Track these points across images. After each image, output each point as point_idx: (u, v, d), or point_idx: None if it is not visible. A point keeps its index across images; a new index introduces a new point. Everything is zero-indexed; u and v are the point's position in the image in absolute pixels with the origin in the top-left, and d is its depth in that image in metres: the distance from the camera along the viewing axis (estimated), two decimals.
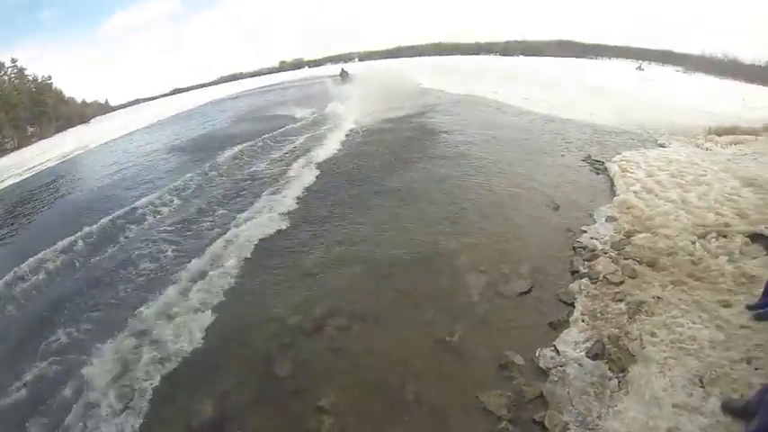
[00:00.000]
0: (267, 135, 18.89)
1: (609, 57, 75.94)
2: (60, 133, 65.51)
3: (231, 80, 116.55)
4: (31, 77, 73.14)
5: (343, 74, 45.57)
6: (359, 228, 8.55)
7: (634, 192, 8.88)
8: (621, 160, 11.12)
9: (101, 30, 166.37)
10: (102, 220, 11.02)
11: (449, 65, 60.87)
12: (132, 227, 10.51)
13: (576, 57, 75.11)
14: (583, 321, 5.14)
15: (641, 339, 4.63)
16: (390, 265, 7.00)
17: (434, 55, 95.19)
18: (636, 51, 70.41)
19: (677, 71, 54.77)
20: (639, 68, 54.26)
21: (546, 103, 21.15)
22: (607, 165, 10.93)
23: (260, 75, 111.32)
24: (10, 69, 69.48)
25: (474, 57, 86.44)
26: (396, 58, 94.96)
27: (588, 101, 21.83)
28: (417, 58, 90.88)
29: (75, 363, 5.65)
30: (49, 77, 76.94)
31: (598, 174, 10.58)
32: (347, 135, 17.21)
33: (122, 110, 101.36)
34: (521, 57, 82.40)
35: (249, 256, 7.94)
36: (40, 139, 63.51)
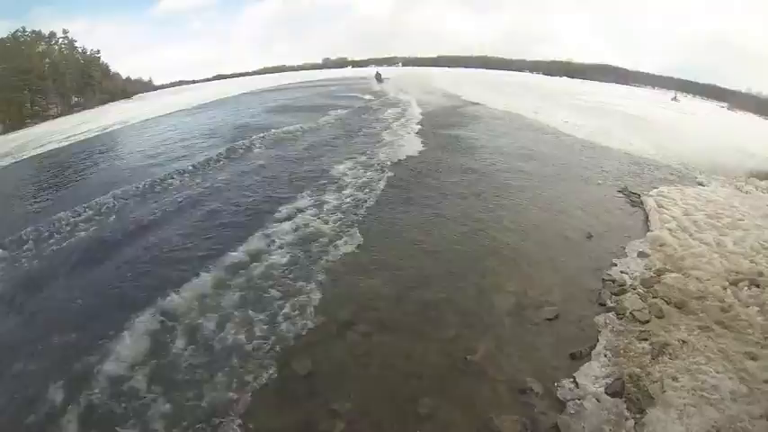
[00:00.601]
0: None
1: (652, 85, 74.77)
2: (103, 106, 67.31)
3: (274, 72, 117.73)
4: (80, 50, 74.81)
5: (377, 76, 49.02)
6: (390, 235, 8.65)
7: (669, 229, 8.79)
8: (658, 195, 11.01)
9: (151, 11, 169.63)
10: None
11: (492, 79, 60.61)
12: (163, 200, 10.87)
13: (618, 83, 74.19)
14: (605, 356, 5.15)
15: (662, 382, 4.62)
16: (419, 275, 7.08)
17: (479, 67, 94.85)
18: (679, 83, 69.28)
19: (721, 107, 53.76)
20: (674, 99, 53.47)
21: (586, 127, 20.97)
22: (643, 198, 10.82)
23: (303, 69, 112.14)
24: (61, 40, 71.18)
25: (517, 73, 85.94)
26: (439, 66, 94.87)
27: (628, 129, 21.57)
28: (462, 68, 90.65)
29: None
30: (98, 52, 78.76)
31: (633, 206, 10.49)
32: None
33: (165, 90, 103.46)
34: (564, 78, 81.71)
35: (284, 251, 8.09)
36: (84, 109, 65.35)
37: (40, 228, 10.68)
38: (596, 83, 70.01)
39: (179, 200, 11.68)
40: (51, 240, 10.07)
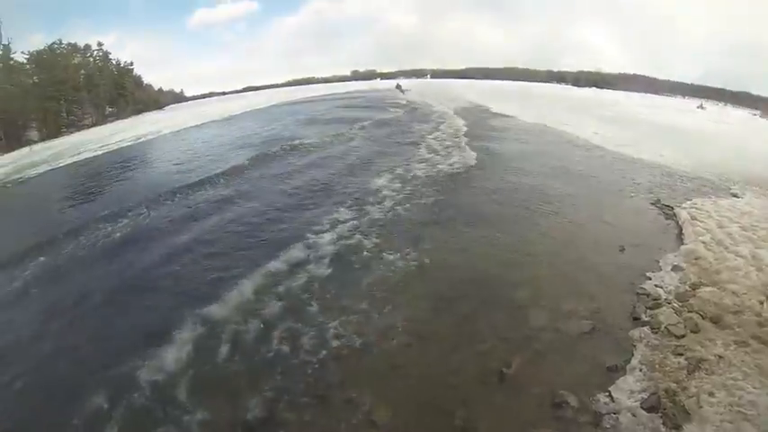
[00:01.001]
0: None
1: (682, 94, 73.59)
2: (136, 116, 70.06)
3: (303, 84, 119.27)
4: (114, 61, 78.34)
5: (398, 87, 54.72)
6: (424, 248, 8.75)
7: (703, 242, 8.71)
8: (692, 207, 10.88)
9: (182, 24, 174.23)
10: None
11: (519, 91, 60.52)
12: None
13: (647, 92, 73.22)
14: (640, 371, 5.17)
15: (699, 398, 4.64)
16: (455, 289, 7.19)
17: (507, 79, 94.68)
18: (709, 90, 68.13)
19: (753, 114, 52.56)
20: (700, 107, 52.66)
21: (616, 139, 20.78)
22: (676, 211, 10.73)
23: (332, 81, 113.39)
24: (96, 52, 74.38)
25: (545, 84, 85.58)
26: (467, 78, 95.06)
27: (659, 140, 21.33)
28: (489, 80, 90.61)
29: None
30: (131, 63, 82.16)
31: (667, 219, 10.42)
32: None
33: (196, 101, 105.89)
34: (592, 88, 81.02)
35: (320, 261, 8.32)
36: (117, 119, 68.45)
37: (77, 233, 11.30)
38: (625, 92, 69.31)
39: (214, 208, 12.18)
40: (89, 246, 10.67)
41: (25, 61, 61.19)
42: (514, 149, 17.97)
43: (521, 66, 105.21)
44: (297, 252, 8.66)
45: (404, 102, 39.30)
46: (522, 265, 7.94)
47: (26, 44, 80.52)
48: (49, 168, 27.93)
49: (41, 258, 10.22)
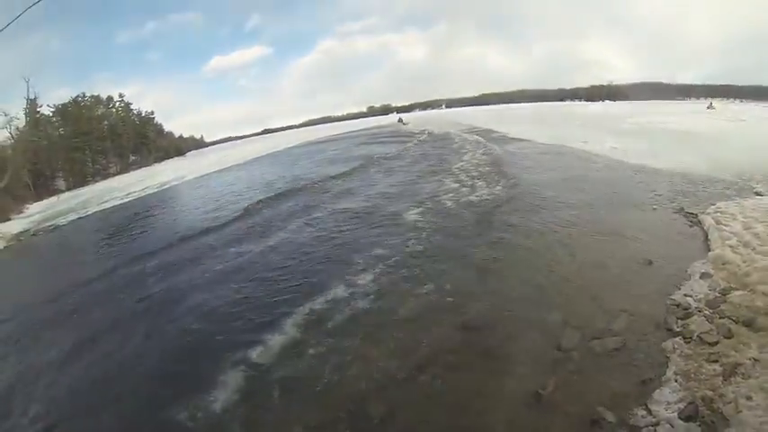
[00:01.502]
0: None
1: (697, 96, 73.08)
2: (158, 164, 73.31)
3: (320, 123, 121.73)
4: (135, 111, 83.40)
5: (400, 121, 59.81)
6: (450, 275, 8.91)
7: (730, 246, 8.67)
8: (716, 212, 10.85)
9: (199, 71, 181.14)
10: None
11: (534, 112, 60.99)
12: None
13: (659, 98, 72.94)
14: (676, 381, 5.20)
15: (736, 403, 4.65)
16: (484, 316, 7.30)
17: (520, 101, 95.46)
18: (720, 89, 67.57)
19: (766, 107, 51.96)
20: (710, 107, 52.22)
21: (634, 151, 20.83)
22: (701, 217, 10.70)
23: (348, 118, 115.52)
24: (118, 103, 79.24)
25: (559, 103, 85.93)
26: (481, 105, 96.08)
27: (677, 147, 21.35)
28: (503, 105, 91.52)
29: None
30: (152, 113, 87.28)
31: (691, 227, 10.41)
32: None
33: (216, 146, 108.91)
34: (606, 101, 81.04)
35: (356, 296, 8.51)
36: (140, 167, 72.30)
37: (109, 280, 11.96)
38: (638, 102, 69.30)
39: (245, 249, 12.60)
40: (122, 291, 11.20)
41: (51, 114, 65.46)
42: (534, 173, 18.07)
43: (533, 87, 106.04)
44: (331, 288, 8.89)
45: (421, 135, 39.89)
46: (551, 287, 8.01)
47: (52, 98, 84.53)
48: (78, 217, 29.44)
49: (72, 302, 11.03)
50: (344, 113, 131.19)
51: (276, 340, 7.28)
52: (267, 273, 10.47)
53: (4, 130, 50.54)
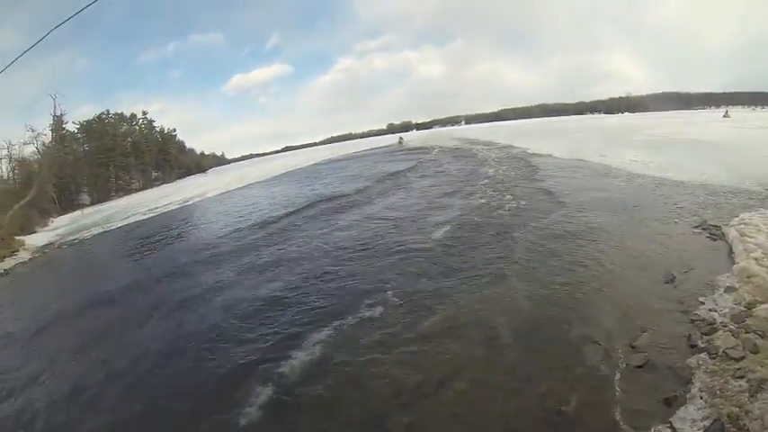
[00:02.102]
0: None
1: (716, 105, 72.23)
2: (180, 180, 74.62)
3: (340, 140, 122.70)
4: (158, 129, 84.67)
5: (400, 140, 61.68)
6: (472, 291, 8.96)
7: (755, 258, 8.55)
8: (740, 224, 10.70)
9: (220, 89, 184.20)
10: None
11: (553, 126, 60.84)
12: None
13: (678, 108, 72.28)
14: (701, 398, 5.14)
15: (763, 419, 4.59)
16: (507, 331, 7.29)
17: (539, 116, 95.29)
18: (742, 96, 66.78)
19: None
20: (726, 116, 51.61)
21: (654, 163, 20.73)
22: (724, 229, 10.58)
23: (368, 136, 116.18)
24: (141, 120, 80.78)
25: (578, 116, 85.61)
26: (500, 120, 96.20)
27: (697, 158, 21.12)
28: (522, 120, 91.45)
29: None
30: (174, 130, 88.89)
31: (715, 240, 10.28)
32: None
33: (237, 163, 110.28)
34: (625, 114, 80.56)
35: (380, 312, 8.59)
36: (163, 183, 74.01)
37: (133, 294, 12.46)
38: (657, 113, 68.70)
39: (267, 266, 12.82)
40: (146, 305, 11.51)
41: (76, 130, 66.95)
42: (554, 188, 17.98)
43: (552, 101, 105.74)
44: (355, 304, 9.02)
45: (443, 153, 40.06)
46: (573, 303, 7.98)
47: (77, 114, 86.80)
48: (102, 231, 30.20)
49: (95, 314, 11.52)
50: (365, 131, 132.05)
51: (302, 353, 7.40)
52: (292, 288, 10.62)
53: (31, 145, 51.70)
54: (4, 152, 47.56)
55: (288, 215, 19.97)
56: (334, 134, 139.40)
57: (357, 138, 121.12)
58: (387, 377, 6.51)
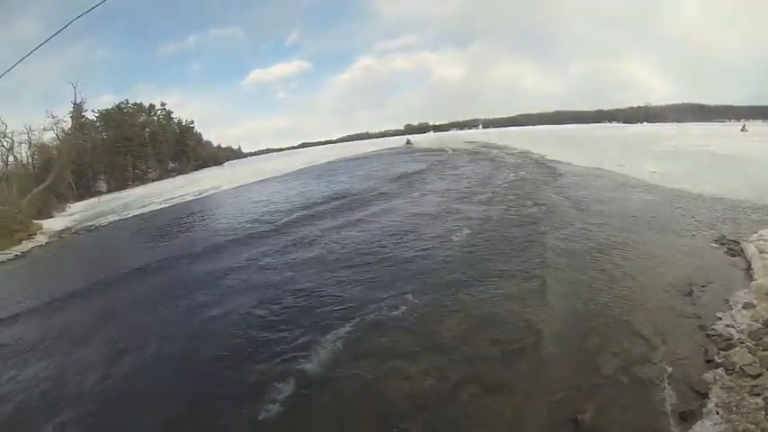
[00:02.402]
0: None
1: (737, 118, 71.41)
2: (196, 172, 75.99)
3: (357, 139, 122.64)
4: (176, 120, 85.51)
5: (408, 142, 62.37)
6: (489, 297, 8.97)
7: None
8: (759, 240, 10.65)
9: (238, 83, 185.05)
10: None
11: (571, 134, 60.58)
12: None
13: (698, 120, 71.55)
14: (717, 414, 5.16)
15: None
16: (522, 338, 7.31)
17: (556, 123, 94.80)
18: (761, 110, 66.10)
19: None
20: (743, 129, 51.23)
21: (673, 175, 20.60)
22: (743, 245, 10.52)
23: (385, 136, 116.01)
24: (159, 111, 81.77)
25: (596, 125, 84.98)
26: (517, 126, 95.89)
27: (717, 171, 21.01)
28: (539, 126, 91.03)
29: None
30: (192, 122, 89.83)
31: (733, 256, 10.24)
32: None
33: (253, 157, 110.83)
34: (644, 123, 79.88)
35: (396, 314, 8.61)
36: (179, 174, 75.27)
37: (146, 280, 12.91)
38: (676, 124, 68.05)
39: (281, 260, 13.09)
40: (159, 291, 11.88)
41: (95, 119, 68.28)
42: (573, 197, 17.94)
43: (570, 108, 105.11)
44: (371, 305, 9.03)
45: (461, 155, 40.07)
46: (589, 312, 8.01)
47: (96, 104, 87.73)
48: (118, 218, 30.75)
49: (109, 297, 12.01)
50: (382, 130, 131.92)
51: (322, 352, 7.45)
52: (310, 286, 10.68)
53: (51, 131, 52.49)
54: (24, 137, 47.94)
55: (304, 212, 20.14)
56: (351, 132, 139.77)
57: (374, 137, 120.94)
58: (402, 378, 6.55)
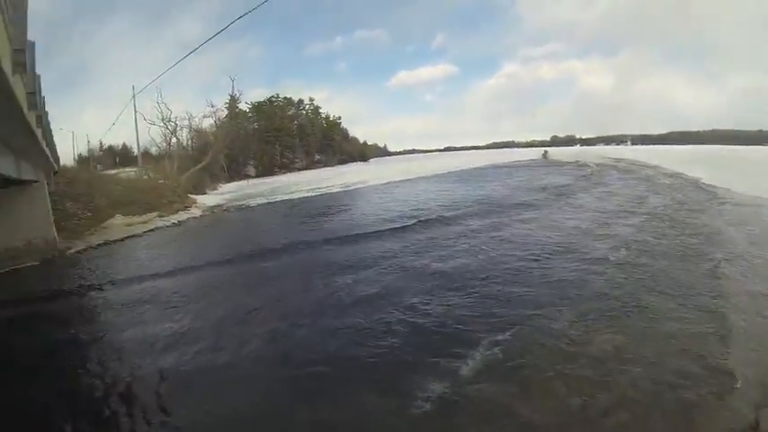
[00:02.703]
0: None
1: None
2: (341, 166, 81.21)
3: (502, 147, 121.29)
4: (323, 115, 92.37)
5: (545, 154, 61.51)
6: (662, 329, 7.70)
7: None
8: None
9: (384, 83, 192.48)
10: None
11: (729, 156, 54.58)
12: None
13: None
14: None
15: None
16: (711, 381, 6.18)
17: (711, 143, 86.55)
18: None
19: None
20: None
21: None
22: None
23: (532, 146, 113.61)
24: (308, 106, 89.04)
25: (760, 147, 75.79)
26: (669, 144, 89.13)
27: None
28: (692, 145, 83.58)
29: None
30: (339, 117, 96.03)
31: None
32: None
33: (398, 156, 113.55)
34: None
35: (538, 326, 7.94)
36: (324, 166, 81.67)
37: (294, 259, 13.67)
38: None
39: (442, 258, 12.83)
40: (308, 270, 12.31)
41: (248, 110, 76.13)
42: (737, 226, 15.58)
43: (727, 127, 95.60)
44: (533, 314, 8.39)
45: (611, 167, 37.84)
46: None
47: (248, 96, 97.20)
48: (266, 201, 33.40)
49: (261, 267, 12.83)
50: (528, 140, 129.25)
51: (477, 356, 6.95)
52: (463, 288, 10.21)
53: (210, 118, 58.98)
54: (185, 122, 54.72)
55: (452, 212, 19.97)
56: (497, 140, 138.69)
57: (521, 146, 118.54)
58: (549, 394, 6.00)
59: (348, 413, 5.79)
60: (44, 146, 15.02)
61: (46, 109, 13.39)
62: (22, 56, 7.03)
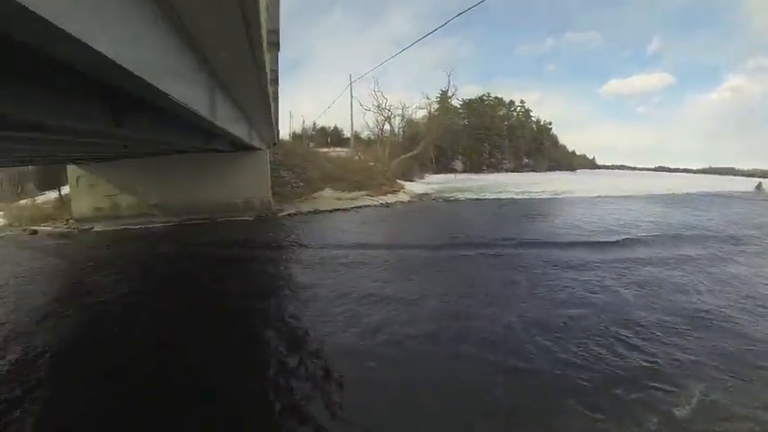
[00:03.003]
0: None
1: None
2: (550, 173, 78.58)
3: (720, 173, 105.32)
4: (534, 118, 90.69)
5: (759, 186, 53.03)
6: None
7: None
8: None
9: (595, 90, 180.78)
10: None
11: None
12: None
13: None
14: None
15: None
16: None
17: None
18: None
19: None
20: None
21: None
22: None
23: (754, 176, 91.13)
24: (518, 108, 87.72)
25: None
26: None
27: None
28: None
29: None
30: (550, 123, 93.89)
31: None
32: None
33: (606, 170, 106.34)
34: None
35: None
36: (532, 171, 79.86)
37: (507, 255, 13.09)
38: None
39: (648, 276, 11.00)
40: (524, 271, 11.42)
41: (458, 106, 76.51)
42: None
43: None
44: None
45: None
46: None
47: (458, 93, 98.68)
48: (475, 197, 33.47)
49: (467, 258, 12.76)
50: (751, 168, 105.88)
51: (691, 403, 5.39)
52: (663, 315, 8.25)
53: (424, 110, 60.88)
54: (398, 112, 56.69)
55: (678, 241, 16.56)
56: (714, 164, 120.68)
57: (743, 174, 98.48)
58: None
59: None
60: (274, 119, 17.12)
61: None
62: (275, 36, 7.92)
